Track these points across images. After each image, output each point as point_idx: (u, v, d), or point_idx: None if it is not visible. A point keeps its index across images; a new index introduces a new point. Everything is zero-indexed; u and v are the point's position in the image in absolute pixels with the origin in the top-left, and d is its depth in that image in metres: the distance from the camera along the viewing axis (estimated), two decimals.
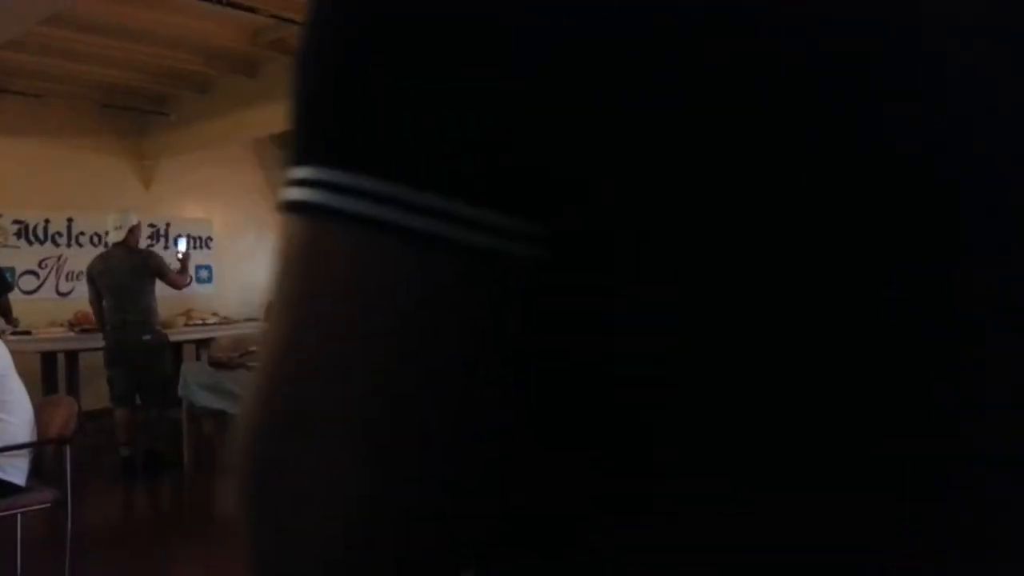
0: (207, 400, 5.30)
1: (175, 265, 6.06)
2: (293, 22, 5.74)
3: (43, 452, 3.48)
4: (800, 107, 0.30)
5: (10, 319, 6.58)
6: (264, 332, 0.35)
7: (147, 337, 5.74)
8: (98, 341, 6.98)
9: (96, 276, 5.78)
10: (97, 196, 8.08)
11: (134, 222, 5.92)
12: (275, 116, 7.02)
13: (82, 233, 8.11)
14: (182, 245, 6.47)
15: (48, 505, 3.32)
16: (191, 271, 6.10)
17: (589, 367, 0.34)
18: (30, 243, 7.82)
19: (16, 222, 7.71)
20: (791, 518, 0.33)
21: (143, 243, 8.46)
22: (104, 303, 5.76)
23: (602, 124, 0.31)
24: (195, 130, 7.80)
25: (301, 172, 0.34)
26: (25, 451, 3.31)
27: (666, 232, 0.32)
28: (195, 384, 5.39)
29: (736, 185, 0.31)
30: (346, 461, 0.32)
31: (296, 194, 0.34)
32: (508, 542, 0.38)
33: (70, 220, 8.03)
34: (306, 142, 0.34)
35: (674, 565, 0.34)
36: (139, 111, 8.10)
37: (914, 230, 0.31)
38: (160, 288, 5.89)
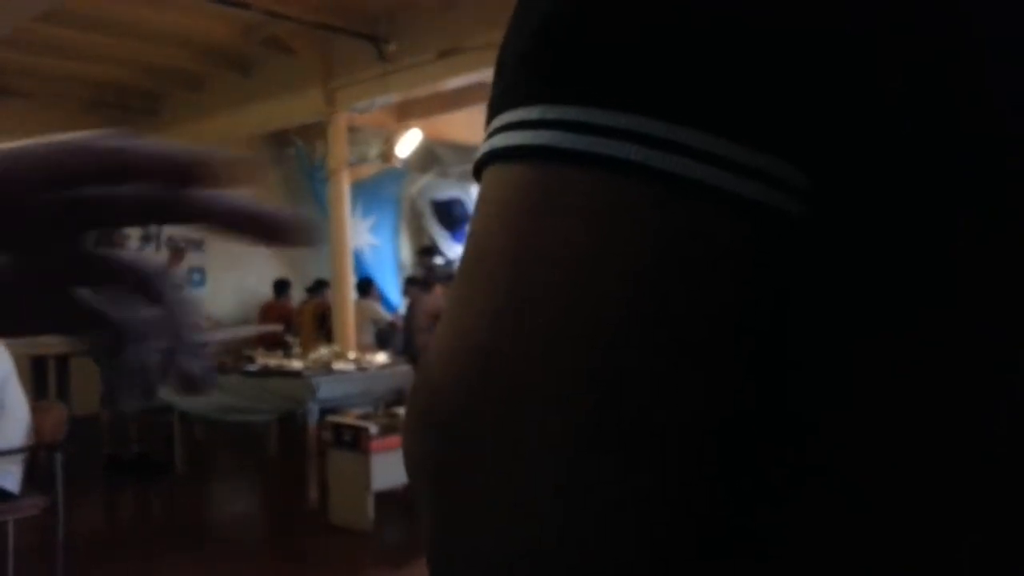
0: (198, 405, 5.22)
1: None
2: (287, 18, 5.67)
3: (34, 458, 3.44)
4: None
5: None
6: (462, 289, 0.29)
7: None
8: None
9: None
10: None
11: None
12: (268, 114, 6.98)
13: None
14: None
15: (39, 512, 3.27)
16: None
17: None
18: None
19: None
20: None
21: (133, 245, 8.41)
22: None
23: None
24: (187, 129, 7.73)
25: (517, 114, 0.28)
26: (19, 458, 3.28)
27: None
28: None
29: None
30: (564, 448, 0.26)
31: (507, 139, 0.28)
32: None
33: None
34: (527, 79, 0.29)
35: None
36: (130, 109, 8.03)
37: None
38: None
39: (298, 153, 9.28)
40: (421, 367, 0.31)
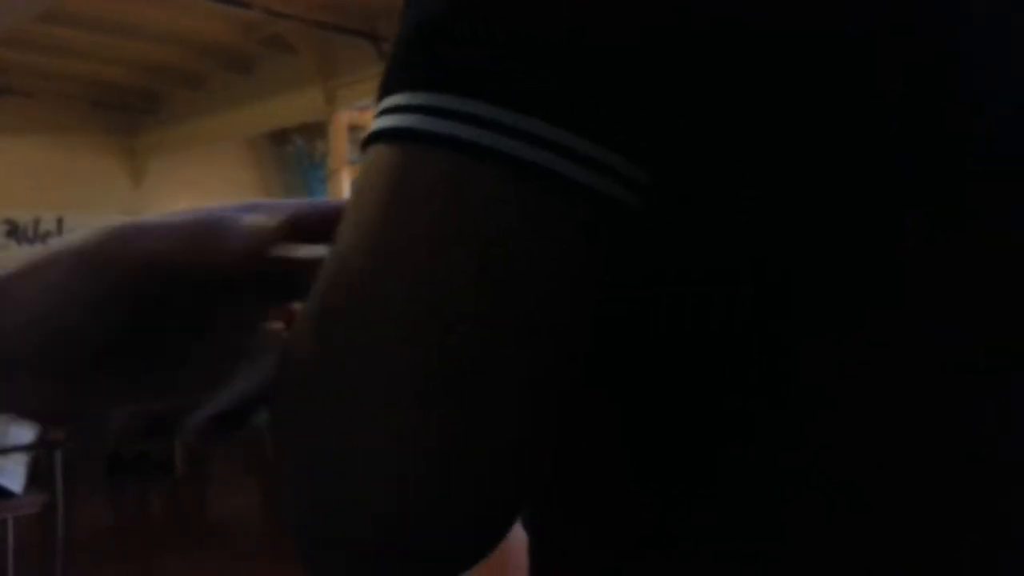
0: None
1: None
2: (287, 17, 5.67)
3: (35, 457, 3.44)
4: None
5: None
6: (335, 254, 0.32)
7: None
8: None
9: None
10: (87, 195, 8.00)
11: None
12: (268, 113, 6.98)
13: (72, 233, 8.01)
14: None
15: (39, 510, 3.26)
16: None
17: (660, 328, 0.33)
18: (19, 243, 7.72)
19: (6, 222, 7.61)
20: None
21: None
22: None
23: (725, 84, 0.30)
24: (187, 128, 7.74)
25: (392, 100, 0.31)
26: (23, 458, 3.28)
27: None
28: None
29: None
30: (405, 399, 0.30)
31: (383, 122, 0.31)
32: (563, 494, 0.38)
33: (60, 220, 7.94)
34: (401, 68, 0.32)
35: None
36: (130, 109, 8.03)
37: None
38: None
39: (298, 152, 9.28)
40: (297, 317, 0.34)
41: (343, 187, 6.68)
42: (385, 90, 0.32)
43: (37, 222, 7.81)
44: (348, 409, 0.30)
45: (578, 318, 0.31)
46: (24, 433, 3.26)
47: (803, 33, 0.30)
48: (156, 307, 0.35)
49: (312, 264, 0.34)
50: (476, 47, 0.30)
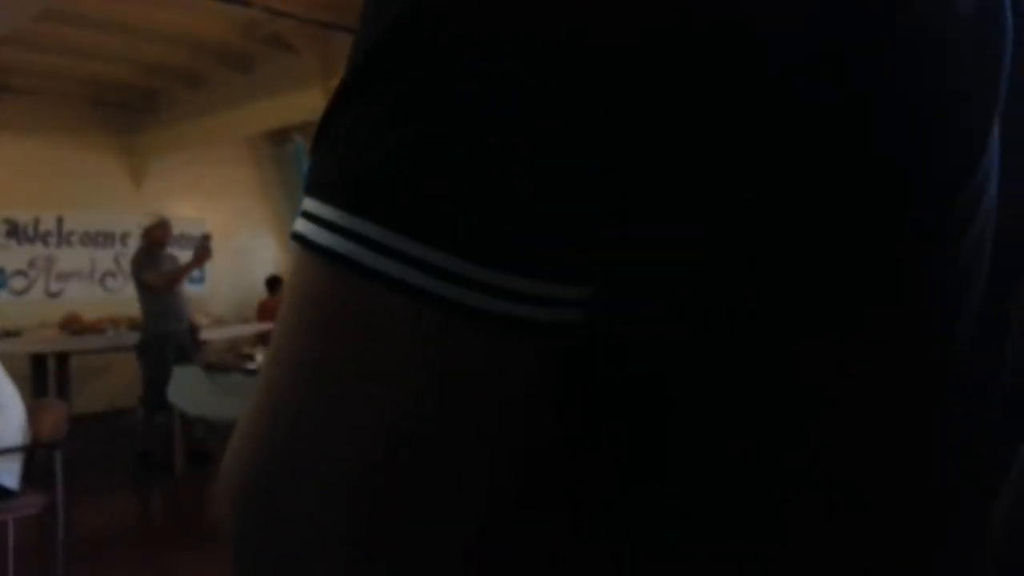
0: (197, 404, 5.22)
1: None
2: (287, 16, 5.67)
3: (34, 457, 3.44)
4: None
5: None
6: (265, 364, 0.32)
7: (136, 340, 5.85)
8: (89, 343, 6.91)
9: None
10: (87, 195, 8.00)
11: (151, 222, 5.92)
12: (269, 113, 6.97)
13: (72, 232, 8.02)
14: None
15: (38, 511, 3.27)
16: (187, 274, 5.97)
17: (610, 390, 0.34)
18: (19, 243, 7.72)
19: (6, 221, 7.61)
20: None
21: (134, 243, 8.40)
22: None
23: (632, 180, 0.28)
24: (187, 127, 7.73)
25: (312, 205, 0.31)
26: (17, 455, 3.28)
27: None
28: (186, 388, 5.31)
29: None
30: (324, 539, 0.30)
31: (300, 226, 0.31)
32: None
33: (60, 219, 7.93)
34: (322, 172, 0.31)
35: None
36: (130, 108, 8.03)
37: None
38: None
39: (298, 151, 9.28)
40: (234, 433, 0.33)
41: None
42: (306, 190, 0.32)
43: (37, 221, 7.81)
44: (289, 548, 0.31)
45: (515, 429, 0.31)
46: (14, 432, 3.25)
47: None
48: None
49: None
50: (384, 171, 0.29)
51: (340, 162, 0.30)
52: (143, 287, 5.76)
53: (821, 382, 0.33)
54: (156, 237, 5.84)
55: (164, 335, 5.72)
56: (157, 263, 5.76)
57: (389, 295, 0.28)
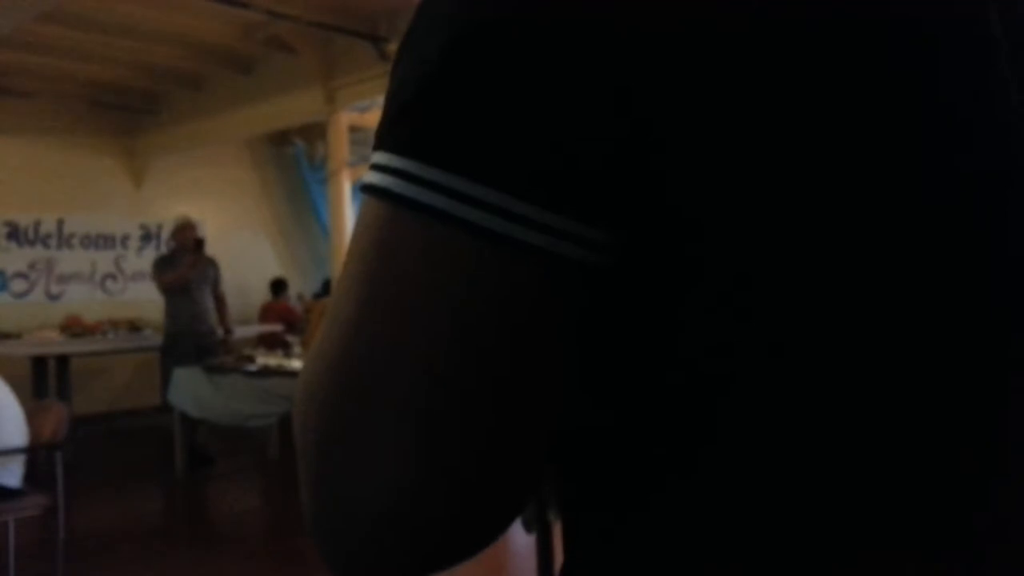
0: (198, 406, 5.22)
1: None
2: (287, 18, 5.67)
3: (35, 458, 3.43)
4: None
5: None
6: (333, 303, 0.37)
7: (162, 341, 5.95)
8: (89, 345, 6.91)
9: None
10: (87, 197, 8.00)
11: (179, 223, 5.93)
12: (269, 114, 6.98)
13: (72, 235, 8.02)
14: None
15: (40, 511, 3.27)
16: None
17: (650, 357, 0.37)
18: (20, 245, 7.72)
19: (6, 224, 7.62)
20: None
21: (134, 245, 8.38)
22: None
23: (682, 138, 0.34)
24: (187, 129, 7.73)
25: (384, 158, 0.36)
26: (19, 455, 3.27)
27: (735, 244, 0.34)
28: (186, 389, 5.31)
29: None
30: (398, 439, 0.35)
31: (376, 179, 0.36)
32: (586, 500, 0.42)
33: (60, 221, 7.94)
34: (393, 129, 0.36)
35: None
36: (130, 110, 8.02)
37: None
38: (157, 291, 5.86)
39: (298, 153, 9.28)
40: (309, 353, 0.39)
41: (343, 188, 6.68)
42: (376, 143, 0.37)
43: (37, 224, 7.81)
44: (346, 440, 0.36)
45: (548, 364, 0.36)
46: (15, 434, 3.25)
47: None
48: None
49: None
50: (449, 119, 0.34)
51: (407, 121, 0.35)
52: (159, 289, 5.87)
53: (825, 374, 0.35)
54: (178, 240, 5.86)
55: (184, 335, 5.78)
56: (174, 265, 5.78)
57: (447, 229, 0.34)
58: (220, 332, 6.01)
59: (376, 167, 0.36)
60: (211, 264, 5.96)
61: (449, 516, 0.36)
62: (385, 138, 0.36)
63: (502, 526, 0.38)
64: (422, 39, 0.36)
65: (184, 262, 5.73)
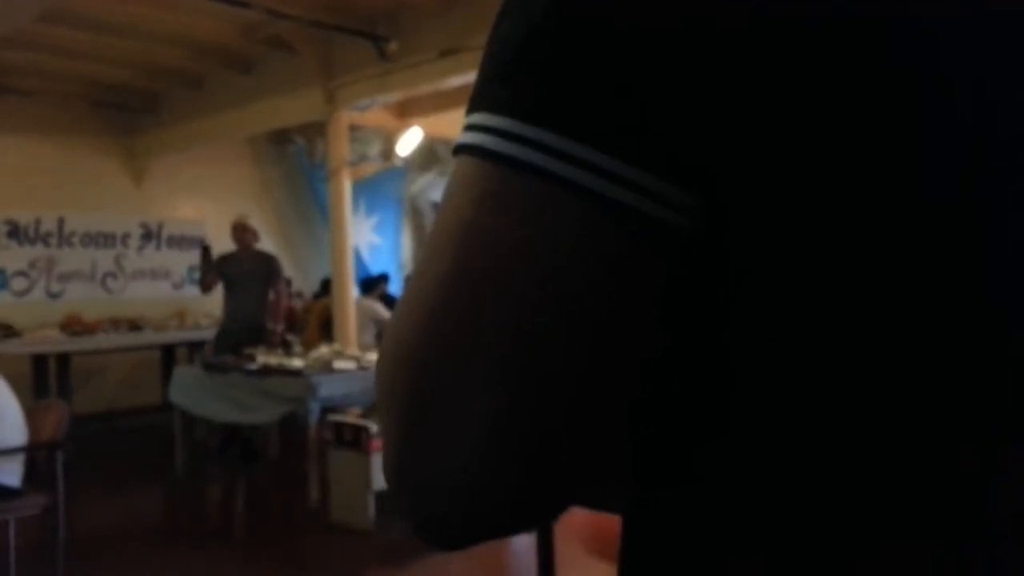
0: (199, 404, 5.21)
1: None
2: (287, 17, 5.67)
3: (35, 457, 3.43)
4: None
5: None
6: (426, 258, 0.37)
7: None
8: (89, 343, 6.91)
9: None
10: (88, 196, 8.00)
11: (236, 221, 6.13)
12: (269, 114, 6.97)
13: (73, 233, 8.02)
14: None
15: (40, 511, 3.26)
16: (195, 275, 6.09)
17: (707, 333, 0.37)
18: (20, 244, 7.72)
19: (7, 222, 7.62)
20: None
21: (134, 244, 8.39)
22: None
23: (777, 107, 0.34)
24: (187, 128, 7.73)
25: (481, 118, 0.36)
26: (19, 455, 3.27)
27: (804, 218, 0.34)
28: (187, 388, 5.30)
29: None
30: (496, 401, 0.35)
31: (475, 138, 0.36)
32: (645, 471, 0.42)
33: (61, 220, 7.94)
34: (492, 89, 0.37)
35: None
36: (130, 109, 8.02)
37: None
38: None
39: (298, 152, 9.28)
40: (393, 315, 0.39)
41: (343, 187, 6.67)
42: (472, 104, 0.37)
43: (38, 222, 7.81)
44: (439, 391, 0.36)
45: (636, 323, 0.36)
46: (14, 433, 3.25)
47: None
48: None
49: None
50: (554, 78, 0.34)
51: (509, 80, 0.36)
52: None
53: (853, 361, 0.35)
54: (233, 239, 5.98)
55: (222, 332, 6.04)
56: (217, 264, 6.01)
57: (549, 186, 0.34)
58: (271, 327, 6.09)
59: (472, 127, 0.36)
60: (263, 260, 6.05)
61: (535, 481, 0.36)
62: (482, 98, 0.36)
63: (577, 492, 0.39)
64: (524, 1, 0.36)
65: (212, 267, 6.02)
